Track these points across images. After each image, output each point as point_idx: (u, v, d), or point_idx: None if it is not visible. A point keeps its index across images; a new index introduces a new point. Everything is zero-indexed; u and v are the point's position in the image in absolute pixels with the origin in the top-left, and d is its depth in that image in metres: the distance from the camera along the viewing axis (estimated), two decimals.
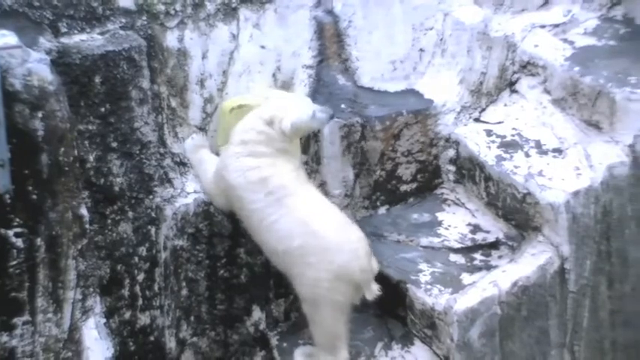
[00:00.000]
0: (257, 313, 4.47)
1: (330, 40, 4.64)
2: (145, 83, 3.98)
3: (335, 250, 3.89)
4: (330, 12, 4.66)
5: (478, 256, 4.51)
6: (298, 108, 4.02)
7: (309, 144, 4.48)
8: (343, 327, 4.01)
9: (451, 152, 4.83)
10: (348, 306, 3.99)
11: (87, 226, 3.70)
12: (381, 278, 4.11)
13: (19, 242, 3.51)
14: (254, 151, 3.95)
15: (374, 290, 4.00)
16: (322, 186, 4.46)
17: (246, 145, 3.96)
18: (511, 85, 4.98)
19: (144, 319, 4.16)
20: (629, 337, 4.72)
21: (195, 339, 4.33)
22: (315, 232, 3.89)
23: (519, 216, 4.50)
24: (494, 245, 4.55)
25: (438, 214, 4.76)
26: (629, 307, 4.66)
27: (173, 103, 4.18)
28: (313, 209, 3.96)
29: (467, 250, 4.54)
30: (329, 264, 3.88)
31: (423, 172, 4.82)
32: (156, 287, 4.15)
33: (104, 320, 3.88)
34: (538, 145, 4.70)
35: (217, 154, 4.27)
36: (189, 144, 4.23)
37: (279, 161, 3.97)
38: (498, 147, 4.70)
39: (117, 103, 3.89)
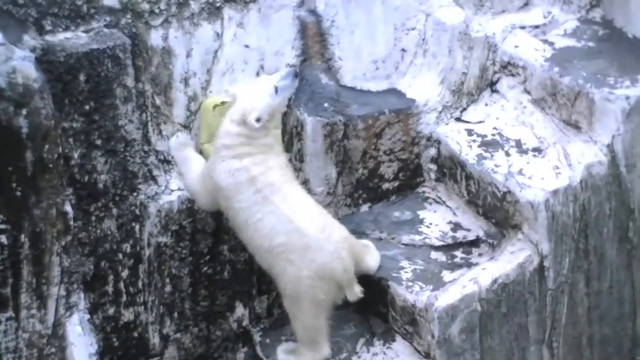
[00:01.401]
0: (240, 310, 4.50)
1: (313, 39, 4.65)
2: (130, 81, 3.98)
3: (316, 249, 3.93)
4: (312, 12, 4.66)
5: (459, 253, 4.55)
6: (260, 94, 4.01)
7: (292, 142, 4.51)
8: (324, 323, 4.05)
9: (432, 151, 4.84)
10: (329, 303, 4.02)
11: (71, 222, 3.72)
12: (362, 275, 4.14)
13: (3, 239, 3.52)
14: (239, 154, 3.96)
15: (356, 292, 4.03)
16: (305, 184, 4.46)
17: (229, 148, 3.97)
18: (492, 85, 5.00)
19: (128, 315, 4.17)
20: (605, 333, 4.77)
21: (178, 335, 4.35)
22: (298, 229, 3.92)
23: (499, 214, 4.53)
24: (475, 243, 4.58)
25: (419, 212, 4.77)
26: (606, 304, 4.72)
27: (157, 101, 4.19)
28: (298, 207, 3.99)
29: (447, 248, 4.57)
30: (310, 262, 3.92)
31: (404, 170, 4.84)
32: (139, 283, 4.16)
33: (88, 316, 3.88)
34: (518, 144, 4.73)
35: (200, 151, 4.29)
36: (174, 142, 4.23)
37: (267, 157, 4.00)
38: (479, 146, 4.73)
39: (101, 101, 3.89)
